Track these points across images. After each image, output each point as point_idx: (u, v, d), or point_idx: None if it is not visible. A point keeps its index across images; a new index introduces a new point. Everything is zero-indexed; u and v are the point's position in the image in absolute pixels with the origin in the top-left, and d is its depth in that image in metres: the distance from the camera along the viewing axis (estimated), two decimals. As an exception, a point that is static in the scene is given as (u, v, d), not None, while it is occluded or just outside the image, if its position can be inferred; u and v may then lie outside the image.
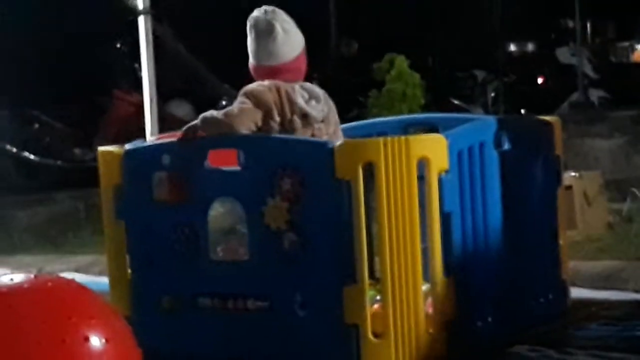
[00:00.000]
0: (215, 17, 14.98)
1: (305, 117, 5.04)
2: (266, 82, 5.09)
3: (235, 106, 5.05)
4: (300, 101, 5.05)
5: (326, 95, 5.24)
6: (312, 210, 4.81)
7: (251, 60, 5.30)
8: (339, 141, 4.92)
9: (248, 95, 5.04)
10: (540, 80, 16.91)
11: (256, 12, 5.26)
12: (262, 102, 5.00)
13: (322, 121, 5.11)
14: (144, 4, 6.97)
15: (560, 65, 17.05)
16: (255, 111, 4.99)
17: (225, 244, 5.15)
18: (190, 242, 5.08)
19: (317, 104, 5.12)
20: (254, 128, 4.98)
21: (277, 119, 5.00)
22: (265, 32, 5.21)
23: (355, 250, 4.73)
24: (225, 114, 5.05)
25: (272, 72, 5.19)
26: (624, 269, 6.25)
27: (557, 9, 17.37)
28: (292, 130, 5.01)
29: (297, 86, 5.11)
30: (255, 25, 5.24)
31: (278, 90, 5.04)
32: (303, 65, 5.28)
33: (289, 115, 5.02)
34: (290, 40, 5.24)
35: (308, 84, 5.21)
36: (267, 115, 4.99)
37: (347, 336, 4.72)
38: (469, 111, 12.92)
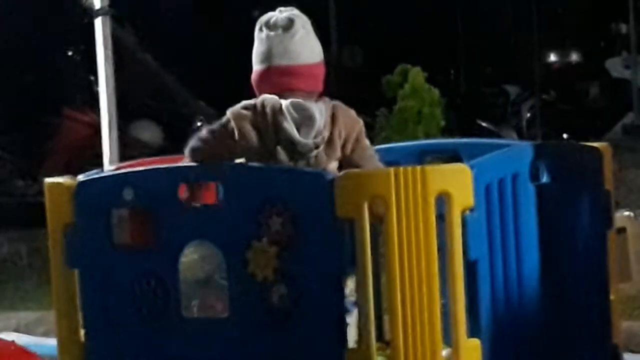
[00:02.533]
0: (190, 20, 15.04)
1: (292, 145, 5.03)
2: (253, 101, 5.10)
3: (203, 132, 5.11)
4: (288, 126, 5.05)
5: (338, 111, 5.24)
6: (307, 256, 4.80)
7: (258, 65, 5.32)
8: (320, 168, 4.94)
9: (233, 119, 5.07)
10: (587, 98, 16.98)
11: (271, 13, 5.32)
12: (243, 131, 5.03)
13: (318, 147, 5.10)
14: (101, 3, 6.98)
15: (611, 80, 17.12)
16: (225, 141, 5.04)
17: (200, 298, 5.16)
18: (157, 296, 5.06)
19: (309, 128, 5.11)
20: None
21: (256, 146, 5.02)
22: (283, 27, 5.27)
23: (362, 304, 4.72)
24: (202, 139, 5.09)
25: (286, 74, 5.23)
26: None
27: (608, 12, 17.47)
28: (275, 163, 5.02)
29: (288, 106, 5.10)
30: (269, 22, 5.29)
31: (264, 110, 5.05)
32: (321, 76, 5.31)
33: (272, 142, 5.02)
34: (311, 42, 5.31)
35: (302, 103, 5.19)
36: (246, 146, 5.02)
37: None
38: (499, 135, 12.95)
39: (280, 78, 5.19)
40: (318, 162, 5.07)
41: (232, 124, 5.03)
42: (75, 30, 7.77)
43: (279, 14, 5.27)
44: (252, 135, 5.02)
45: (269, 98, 5.08)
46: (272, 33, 5.28)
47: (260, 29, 5.30)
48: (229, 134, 5.04)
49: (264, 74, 5.26)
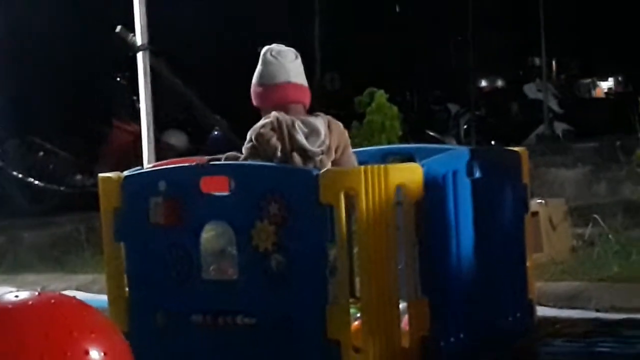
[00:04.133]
0: (209, 54, 15.00)
1: (304, 152, 5.05)
2: (269, 119, 5.10)
3: (245, 153, 5.12)
4: (300, 137, 5.06)
5: (332, 124, 5.24)
6: (298, 232, 4.79)
7: (263, 81, 5.30)
8: (324, 169, 4.93)
9: (257, 138, 5.06)
10: (509, 114, 17.00)
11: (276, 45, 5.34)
12: (270, 145, 5.03)
13: (323, 153, 5.11)
14: (142, 40, 6.97)
15: (527, 100, 17.13)
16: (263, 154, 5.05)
17: (216, 264, 5.14)
18: (183, 262, 5.05)
19: (317, 138, 5.12)
20: None
21: (279, 155, 5.03)
22: (287, 53, 5.30)
23: (338, 270, 4.72)
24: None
25: (285, 89, 5.23)
26: (586, 289, 6.26)
27: (525, 48, 17.47)
28: (292, 165, 5.03)
29: (297, 122, 5.11)
30: (280, 50, 5.30)
31: (280, 126, 5.05)
32: (309, 98, 5.34)
33: (289, 150, 5.04)
34: (303, 71, 5.33)
35: (309, 119, 5.21)
36: (273, 155, 5.02)
37: (329, 351, 4.69)
38: (443, 142, 12.94)
39: (281, 92, 5.20)
40: (322, 164, 5.07)
41: (262, 139, 5.04)
42: (123, 61, 7.75)
43: (283, 47, 5.29)
44: (277, 146, 5.03)
45: (280, 116, 5.07)
46: (282, 59, 5.29)
47: (265, 55, 5.32)
48: (260, 148, 5.05)
49: (268, 90, 5.24)
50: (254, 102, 5.33)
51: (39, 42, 12.10)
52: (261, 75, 5.32)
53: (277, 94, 5.27)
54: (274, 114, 5.10)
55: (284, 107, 5.15)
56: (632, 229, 7.59)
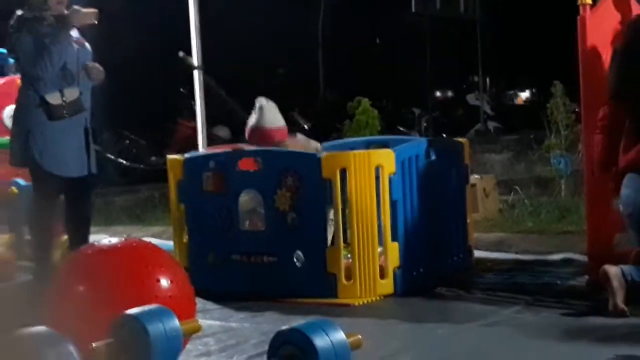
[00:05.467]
0: (244, 70, 14.99)
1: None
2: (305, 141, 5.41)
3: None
4: (313, 145, 5.34)
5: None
6: (306, 198, 4.81)
7: (259, 125, 5.34)
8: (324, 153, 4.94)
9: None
10: (456, 115, 17.00)
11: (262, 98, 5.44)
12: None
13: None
14: (197, 62, 6.95)
15: (469, 106, 17.12)
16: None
17: (249, 219, 5.16)
18: (226, 218, 5.07)
19: (315, 146, 5.36)
20: None
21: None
22: (273, 106, 5.38)
23: (335, 224, 4.74)
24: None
25: (274, 132, 5.31)
26: (508, 238, 6.27)
27: (467, 69, 17.45)
28: None
29: (309, 140, 5.45)
30: (265, 103, 5.36)
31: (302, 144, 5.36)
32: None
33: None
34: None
35: (310, 140, 5.46)
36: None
37: (329, 281, 4.73)
38: (409, 135, 12.90)
39: (270, 133, 5.30)
40: None
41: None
42: (185, 77, 7.74)
43: (266, 101, 5.37)
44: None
45: (301, 139, 5.43)
46: (267, 109, 5.34)
47: (260, 106, 5.36)
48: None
49: (262, 131, 5.32)
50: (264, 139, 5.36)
51: (128, 60, 12.12)
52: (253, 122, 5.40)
53: (252, 135, 5.39)
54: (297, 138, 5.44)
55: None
56: (541, 196, 7.59)
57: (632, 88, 4.14)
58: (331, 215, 4.81)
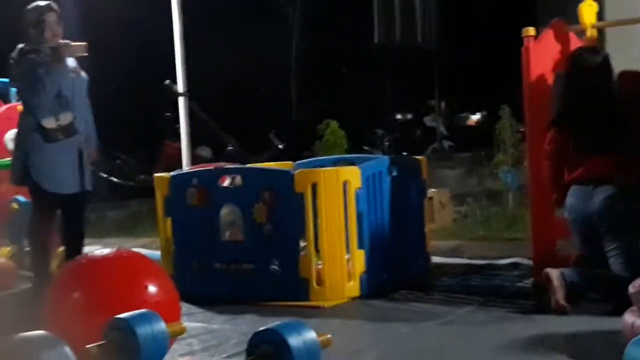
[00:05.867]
0: (225, 96, 14.98)
1: None
2: None
3: None
4: None
5: None
6: (281, 211, 4.79)
7: None
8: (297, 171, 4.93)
9: None
10: (415, 136, 17.11)
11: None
12: None
13: None
14: (182, 89, 6.92)
15: (426, 127, 17.23)
16: None
17: (229, 231, 5.13)
18: (209, 230, 5.03)
19: None
20: None
21: None
22: None
23: (307, 234, 4.73)
24: None
25: None
26: (462, 245, 6.30)
27: (425, 94, 17.57)
28: None
29: None
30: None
31: None
32: None
33: None
34: None
35: None
36: None
37: (301, 285, 4.71)
38: (373, 153, 12.94)
39: None
40: None
41: None
42: (170, 102, 7.69)
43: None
44: None
45: None
46: None
47: None
48: None
49: None
50: None
51: (119, 87, 12.11)
52: None
53: None
54: None
55: None
56: (491, 207, 7.63)
57: (573, 113, 4.19)
58: (304, 225, 4.79)
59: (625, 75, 4.26)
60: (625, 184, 4.02)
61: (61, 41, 4.86)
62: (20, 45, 4.89)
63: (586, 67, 4.20)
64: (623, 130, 4.11)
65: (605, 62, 4.21)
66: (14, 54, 4.89)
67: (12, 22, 5.00)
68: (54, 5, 4.94)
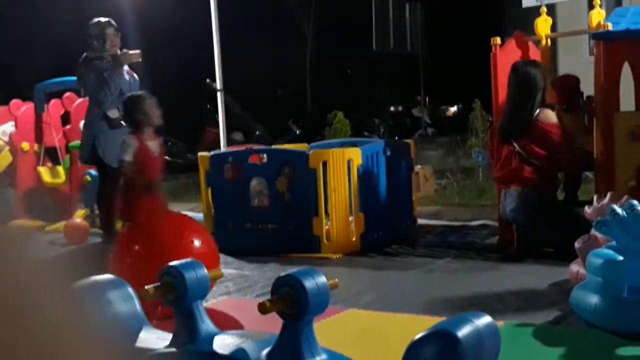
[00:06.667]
0: (256, 89, 14.92)
1: None
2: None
3: None
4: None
5: None
6: (299, 182, 4.79)
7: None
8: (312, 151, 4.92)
9: None
10: (405, 124, 17.00)
11: None
12: None
13: None
14: (219, 86, 6.91)
15: (414, 117, 17.12)
16: None
17: (257, 198, 5.15)
18: (241, 197, 5.05)
19: None
20: None
21: None
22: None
23: (319, 201, 4.73)
24: None
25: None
26: (442, 210, 6.30)
27: (412, 90, 17.45)
28: None
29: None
30: None
31: None
32: None
33: None
34: None
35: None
36: None
37: (314, 241, 4.73)
38: (372, 138, 12.91)
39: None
40: None
41: None
42: (210, 96, 7.66)
43: None
44: None
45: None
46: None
47: None
48: None
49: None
50: None
51: (169, 86, 12.09)
52: None
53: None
54: None
55: None
56: (465, 180, 7.62)
57: (516, 130, 4.16)
58: (316, 194, 4.77)
59: (559, 80, 4.28)
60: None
61: (119, 50, 4.88)
62: (85, 54, 4.93)
63: (523, 75, 4.17)
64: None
65: (537, 73, 4.16)
66: (80, 61, 4.93)
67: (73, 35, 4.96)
68: (112, 21, 4.97)
